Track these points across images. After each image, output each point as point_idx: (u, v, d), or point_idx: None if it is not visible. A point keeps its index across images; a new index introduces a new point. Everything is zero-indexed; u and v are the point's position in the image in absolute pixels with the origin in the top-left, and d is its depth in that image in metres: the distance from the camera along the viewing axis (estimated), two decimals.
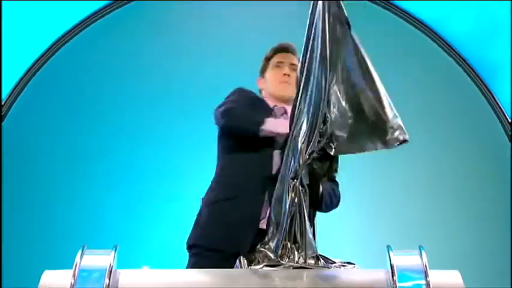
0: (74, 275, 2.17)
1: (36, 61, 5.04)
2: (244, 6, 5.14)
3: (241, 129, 2.86)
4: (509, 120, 4.95)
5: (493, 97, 5.00)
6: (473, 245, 4.66)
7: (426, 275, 2.16)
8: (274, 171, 2.74)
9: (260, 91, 3.18)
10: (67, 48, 5.08)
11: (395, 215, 4.69)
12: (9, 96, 4.97)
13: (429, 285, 2.14)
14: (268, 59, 3.18)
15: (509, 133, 4.91)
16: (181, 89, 4.82)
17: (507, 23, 4.67)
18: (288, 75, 3.07)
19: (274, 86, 3.08)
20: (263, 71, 3.18)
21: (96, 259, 2.25)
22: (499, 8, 4.68)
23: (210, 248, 2.78)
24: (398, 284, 2.15)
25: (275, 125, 2.79)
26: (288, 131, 2.47)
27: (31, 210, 4.72)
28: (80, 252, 2.26)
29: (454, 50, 5.03)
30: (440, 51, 5.09)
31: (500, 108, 4.97)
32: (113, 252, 2.27)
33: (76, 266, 2.20)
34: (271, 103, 3.03)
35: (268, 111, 2.96)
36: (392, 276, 2.17)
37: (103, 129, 4.88)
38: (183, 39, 5.10)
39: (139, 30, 5.16)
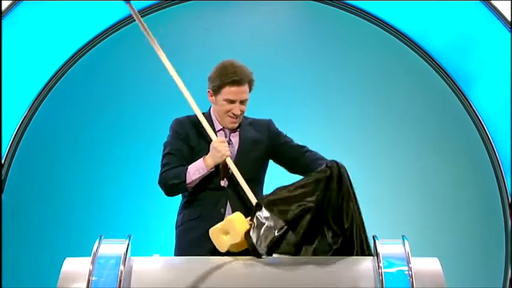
0: (92, 262, 2.25)
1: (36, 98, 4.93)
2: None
3: (175, 193, 2.95)
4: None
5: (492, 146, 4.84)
6: (453, 236, 4.69)
7: (408, 262, 2.26)
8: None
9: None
10: (64, 80, 4.98)
11: (382, 209, 4.71)
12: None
13: (411, 270, 2.23)
14: (219, 86, 2.88)
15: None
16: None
17: (483, 39, 4.64)
18: (237, 116, 2.90)
19: (223, 117, 2.93)
20: (214, 92, 2.92)
21: (112, 248, 2.32)
22: (475, 23, 4.64)
23: None
24: (383, 270, 2.24)
25: (193, 171, 2.81)
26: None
27: (54, 209, 4.75)
28: (97, 241, 2.34)
29: (436, 63, 4.94)
30: (427, 66, 5.00)
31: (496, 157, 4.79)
32: (127, 241, 2.35)
33: (94, 254, 2.28)
34: (217, 123, 2.97)
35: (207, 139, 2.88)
36: (378, 263, 2.27)
37: (116, 135, 4.88)
38: (192, 49, 5.02)
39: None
